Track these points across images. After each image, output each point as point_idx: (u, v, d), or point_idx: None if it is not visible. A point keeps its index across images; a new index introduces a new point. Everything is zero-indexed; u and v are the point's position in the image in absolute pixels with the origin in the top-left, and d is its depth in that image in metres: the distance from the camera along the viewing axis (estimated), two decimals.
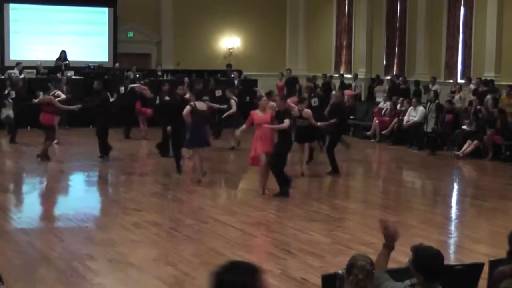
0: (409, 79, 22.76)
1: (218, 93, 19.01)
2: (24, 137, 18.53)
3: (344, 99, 14.88)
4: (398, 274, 4.81)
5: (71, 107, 16.71)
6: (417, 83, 22.04)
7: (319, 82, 24.30)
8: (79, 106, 16.98)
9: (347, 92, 21.22)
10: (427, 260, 4.50)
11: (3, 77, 21.82)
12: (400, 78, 22.92)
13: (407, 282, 4.61)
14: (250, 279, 2.79)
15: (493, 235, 10.22)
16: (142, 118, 20.19)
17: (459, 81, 21.60)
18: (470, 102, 19.16)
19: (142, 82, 21.27)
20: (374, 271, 4.46)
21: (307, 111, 14.15)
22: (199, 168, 13.31)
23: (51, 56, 23.91)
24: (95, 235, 9.58)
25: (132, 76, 21.96)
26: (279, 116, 12.07)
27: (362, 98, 24.30)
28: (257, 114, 12.26)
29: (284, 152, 12.18)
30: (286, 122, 11.93)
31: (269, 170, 12.17)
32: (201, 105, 13.26)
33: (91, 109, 16.83)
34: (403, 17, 24.34)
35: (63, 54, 24.02)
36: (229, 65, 25.66)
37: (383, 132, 20.19)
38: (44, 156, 15.53)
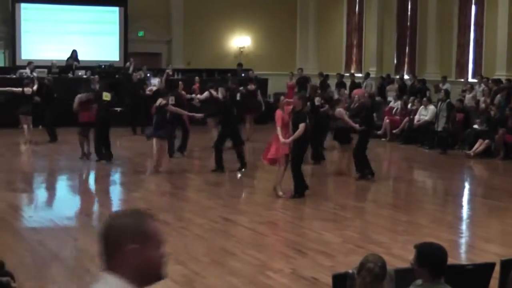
0: (420, 78, 22.68)
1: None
2: (34, 136, 18.55)
3: (369, 101, 14.76)
4: (407, 274, 4.81)
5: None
6: (423, 81, 21.99)
7: (333, 81, 24.30)
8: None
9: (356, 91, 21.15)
10: (430, 254, 4.53)
11: (14, 76, 21.90)
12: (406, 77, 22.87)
13: (418, 281, 4.61)
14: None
15: (504, 235, 10.19)
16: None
17: (470, 80, 21.53)
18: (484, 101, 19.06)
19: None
20: (385, 272, 4.45)
21: (340, 111, 14.19)
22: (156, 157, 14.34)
23: (62, 55, 23.95)
24: None
25: (142, 75, 22.01)
26: (295, 118, 11.91)
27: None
28: (282, 114, 12.06)
29: (300, 154, 12.07)
30: (301, 127, 11.70)
31: (285, 171, 12.12)
32: (160, 101, 14.34)
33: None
34: (414, 16, 24.27)
35: (74, 53, 24.09)
36: (240, 64, 25.66)
37: (394, 131, 20.14)
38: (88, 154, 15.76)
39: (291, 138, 11.76)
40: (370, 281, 4.35)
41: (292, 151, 11.93)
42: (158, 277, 2.51)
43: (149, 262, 2.47)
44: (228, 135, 14.66)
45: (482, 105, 18.75)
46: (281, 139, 11.76)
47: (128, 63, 24.16)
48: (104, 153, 15.39)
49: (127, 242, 2.44)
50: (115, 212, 2.58)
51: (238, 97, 16.67)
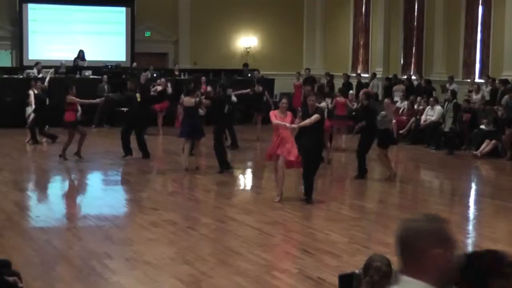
0: (426, 78, 22.65)
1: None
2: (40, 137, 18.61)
3: (363, 97, 14.61)
4: None
5: (94, 101, 16.69)
6: (429, 81, 21.93)
7: (339, 81, 24.30)
8: (102, 98, 17.06)
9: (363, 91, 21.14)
10: None
11: (22, 76, 21.97)
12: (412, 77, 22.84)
13: None
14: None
15: (511, 235, 10.17)
16: (159, 116, 20.45)
17: (477, 80, 21.49)
18: (488, 102, 19.03)
19: (161, 80, 21.40)
20: (392, 271, 4.45)
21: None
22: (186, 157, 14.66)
23: (69, 55, 24.02)
24: (113, 234, 9.63)
25: (149, 75, 22.06)
26: (312, 112, 11.53)
27: (379, 97, 24.20)
28: (278, 115, 11.77)
29: (317, 153, 11.78)
30: (314, 117, 11.34)
31: (284, 174, 11.89)
32: (187, 101, 14.44)
33: (114, 102, 17.35)
34: (420, 16, 24.24)
35: (81, 54, 24.15)
36: (245, 65, 25.68)
37: (401, 131, 20.08)
38: (64, 155, 15.63)
39: (300, 124, 11.50)
40: (378, 279, 4.36)
41: (307, 156, 11.50)
42: (453, 279, 2.64)
43: (450, 265, 2.59)
44: (222, 132, 14.70)
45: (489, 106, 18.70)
46: (287, 124, 11.44)
47: (134, 63, 24.21)
48: (143, 152, 15.83)
49: (432, 247, 2.54)
50: (410, 218, 2.67)
51: (233, 97, 16.52)
